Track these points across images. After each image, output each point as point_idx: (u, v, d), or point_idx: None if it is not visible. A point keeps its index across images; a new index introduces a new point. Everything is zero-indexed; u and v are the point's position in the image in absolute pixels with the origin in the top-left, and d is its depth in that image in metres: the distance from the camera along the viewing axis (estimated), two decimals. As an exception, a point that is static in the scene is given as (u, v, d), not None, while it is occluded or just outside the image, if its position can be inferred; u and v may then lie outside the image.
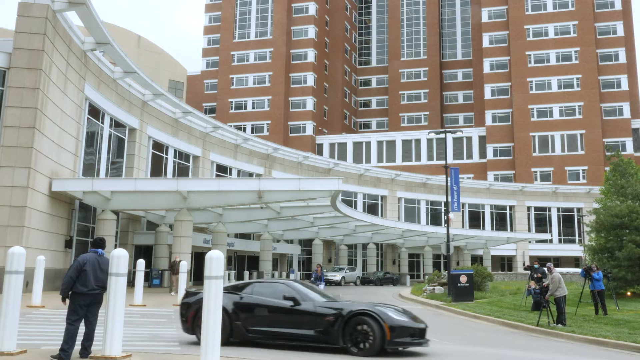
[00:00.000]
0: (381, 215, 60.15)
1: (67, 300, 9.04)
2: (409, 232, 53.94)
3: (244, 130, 77.35)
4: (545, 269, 22.68)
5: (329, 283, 44.60)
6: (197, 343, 10.91)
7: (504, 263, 69.89)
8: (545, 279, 21.27)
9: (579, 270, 42.27)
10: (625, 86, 73.80)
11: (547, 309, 17.91)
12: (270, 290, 11.99)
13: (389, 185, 62.93)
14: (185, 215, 29.71)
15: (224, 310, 11.19)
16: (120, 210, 31.48)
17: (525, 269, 33.78)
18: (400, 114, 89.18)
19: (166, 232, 34.78)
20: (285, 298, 11.57)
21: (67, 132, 27.07)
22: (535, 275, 22.66)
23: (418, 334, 11.26)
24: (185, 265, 23.41)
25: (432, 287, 32.43)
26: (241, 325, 11.63)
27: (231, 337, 11.54)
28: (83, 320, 9.15)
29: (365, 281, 52.01)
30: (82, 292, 9.00)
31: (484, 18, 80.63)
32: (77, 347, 9.12)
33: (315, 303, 11.52)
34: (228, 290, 12.11)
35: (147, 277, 33.23)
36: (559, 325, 17.33)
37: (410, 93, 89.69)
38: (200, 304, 11.17)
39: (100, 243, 9.54)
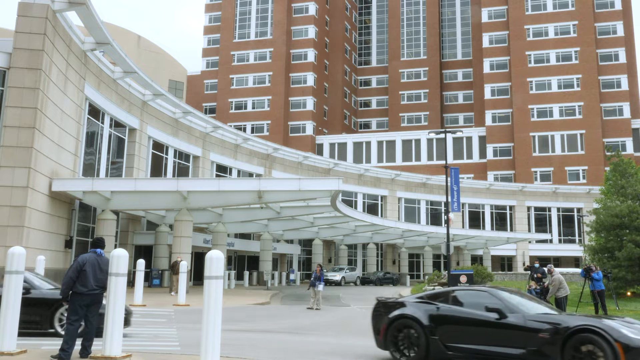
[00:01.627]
0: (381, 215, 60.15)
1: (66, 302, 9.05)
2: (409, 232, 53.94)
3: (244, 130, 77.36)
4: (545, 269, 22.71)
5: (329, 283, 44.60)
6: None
7: (504, 263, 69.89)
8: (545, 279, 21.29)
9: (579, 270, 42.27)
10: (625, 86, 73.80)
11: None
12: (472, 300, 10.39)
13: (389, 185, 62.93)
14: (185, 215, 29.72)
15: (418, 323, 10.23)
16: (120, 210, 31.49)
17: (525, 269, 33.79)
18: (400, 114, 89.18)
19: (166, 232, 34.78)
20: (488, 309, 9.91)
21: (67, 132, 27.07)
22: (535, 275, 22.66)
23: None
24: (185, 265, 23.44)
25: (432, 287, 32.45)
26: (439, 341, 10.05)
27: (428, 355, 10.09)
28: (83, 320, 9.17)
29: (365, 281, 52.02)
30: (82, 292, 9.01)
31: (484, 18, 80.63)
32: (77, 347, 9.13)
33: (526, 316, 9.71)
34: (423, 300, 10.82)
35: (147, 277, 33.24)
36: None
37: (410, 93, 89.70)
38: (396, 316, 10.50)
39: (99, 243, 9.55)
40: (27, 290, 11.94)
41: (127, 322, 12.41)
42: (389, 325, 10.53)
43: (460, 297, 10.60)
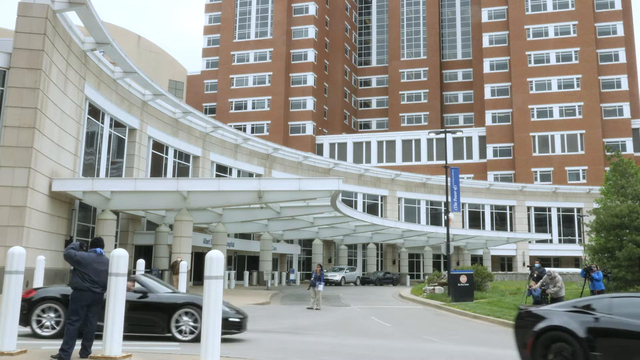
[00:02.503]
0: (381, 215, 60.15)
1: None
2: (409, 232, 53.95)
3: (244, 130, 77.36)
4: (545, 268, 22.74)
5: (329, 283, 44.60)
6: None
7: (504, 263, 69.90)
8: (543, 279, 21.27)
9: (579, 270, 42.27)
10: (625, 86, 73.80)
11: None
12: (638, 309, 8.81)
13: (389, 185, 62.93)
14: (185, 215, 29.72)
15: (573, 336, 8.88)
16: (120, 210, 31.48)
17: (528, 267, 33.79)
18: (400, 114, 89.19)
19: (166, 232, 34.78)
20: None
21: (67, 132, 27.07)
22: (535, 275, 22.65)
23: None
24: (185, 265, 23.43)
25: (432, 287, 32.44)
26: (601, 358, 8.61)
27: None
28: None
29: (365, 281, 52.01)
30: (81, 289, 9.00)
31: (484, 18, 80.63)
32: (77, 347, 9.13)
33: None
34: (577, 309, 9.39)
35: (147, 277, 33.20)
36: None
37: (410, 93, 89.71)
38: (544, 328, 9.32)
39: (99, 243, 9.55)
40: (144, 294, 12.27)
41: (242, 327, 12.61)
42: (536, 338, 9.30)
43: (623, 304, 9.09)
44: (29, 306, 12.02)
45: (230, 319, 12.27)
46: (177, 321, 12.12)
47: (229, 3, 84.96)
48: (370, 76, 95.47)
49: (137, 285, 12.47)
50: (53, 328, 12.04)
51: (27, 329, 12.04)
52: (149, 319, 12.20)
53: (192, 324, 12.07)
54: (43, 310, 12.07)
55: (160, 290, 12.67)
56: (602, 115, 73.16)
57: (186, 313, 12.11)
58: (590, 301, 9.59)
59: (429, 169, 73.42)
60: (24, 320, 11.82)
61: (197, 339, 11.46)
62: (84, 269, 9.09)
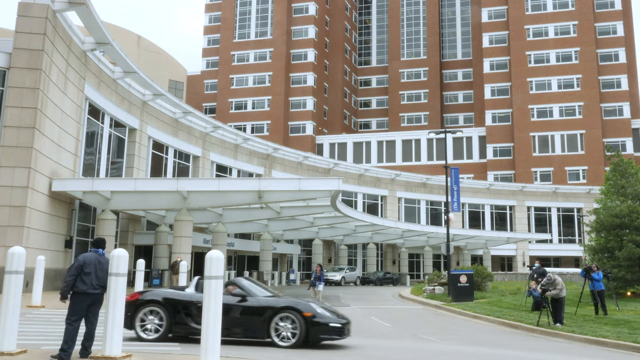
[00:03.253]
0: (381, 215, 60.15)
1: (66, 300, 9.04)
2: (409, 232, 53.94)
3: (244, 130, 77.36)
4: (544, 269, 22.74)
5: (329, 283, 44.60)
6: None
7: (504, 263, 69.90)
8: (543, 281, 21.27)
9: (579, 270, 42.26)
10: (625, 86, 73.80)
11: (547, 309, 17.94)
12: None
13: (389, 185, 62.93)
14: (185, 215, 29.72)
15: None
16: (120, 210, 31.48)
17: (528, 267, 33.78)
18: (400, 114, 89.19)
19: (166, 232, 34.78)
20: None
21: (67, 132, 27.08)
22: (534, 275, 22.65)
23: None
24: (185, 265, 23.44)
25: (432, 287, 32.44)
26: None
27: None
28: (83, 320, 9.16)
29: (365, 281, 52.01)
30: (83, 292, 9.01)
31: (484, 18, 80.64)
32: (77, 347, 9.13)
33: None
34: None
35: (147, 277, 33.23)
36: (558, 324, 17.38)
37: (410, 93, 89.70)
38: None
39: (100, 243, 9.55)
40: (243, 297, 12.01)
41: (344, 332, 11.99)
42: None
43: None
44: (134, 309, 11.99)
45: (331, 324, 11.83)
46: (277, 326, 11.73)
47: (229, 3, 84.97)
48: (370, 76, 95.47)
49: (236, 289, 12.26)
50: (156, 331, 11.95)
51: (132, 333, 11.97)
52: (248, 324, 11.92)
53: (291, 328, 11.67)
54: (146, 314, 12.02)
55: (260, 294, 12.37)
56: (602, 115, 73.17)
57: (285, 318, 11.72)
58: None
59: (429, 169, 73.42)
60: (129, 323, 11.84)
61: (297, 345, 11.53)
62: (87, 268, 9.10)
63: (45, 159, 24.80)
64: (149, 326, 11.99)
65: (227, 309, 11.28)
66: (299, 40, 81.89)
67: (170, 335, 12.00)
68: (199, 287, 12.34)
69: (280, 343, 11.63)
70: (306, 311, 11.71)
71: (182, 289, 12.84)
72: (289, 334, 11.67)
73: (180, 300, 12.16)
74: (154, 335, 11.92)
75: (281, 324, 11.73)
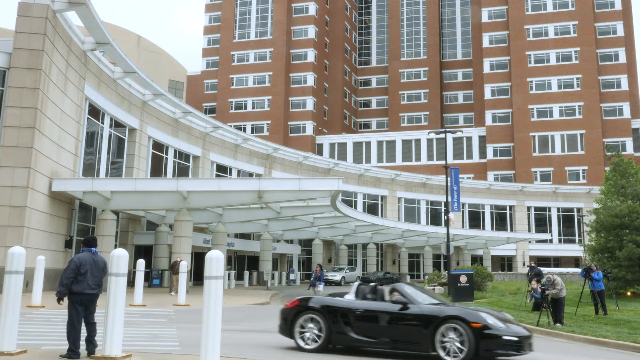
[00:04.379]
0: (381, 215, 60.14)
1: (62, 302, 9.07)
2: (409, 232, 53.93)
3: (244, 130, 77.36)
4: (540, 269, 22.74)
5: (329, 283, 44.59)
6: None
7: (504, 263, 69.89)
8: (541, 281, 21.27)
9: (579, 270, 42.25)
10: (625, 86, 73.80)
11: (547, 309, 17.94)
12: None
13: (389, 185, 62.92)
14: (185, 215, 29.72)
15: None
16: (120, 210, 31.48)
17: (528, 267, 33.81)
18: (400, 114, 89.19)
19: (166, 232, 34.78)
20: None
21: (67, 132, 27.07)
22: (531, 274, 22.65)
23: None
24: (185, 265, 23.41)
25: (432, 287, 32.44)
26: None
27: None
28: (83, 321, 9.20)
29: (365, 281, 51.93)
30: (80, 292, 9.03)
31: (484, 18, 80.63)
32: (82, 345, 9.15)
33: None
34: None
35: (147, 277, 33.24)
36: (558, 324, 17.40)
37: (410, 93, 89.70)
38: None
39: (92, 242, 9.53)
40: (404, 305, 10.88)
41: (522, 347, 10.32)
42: None
43: None
44: (293, 316, 11.36)
45: (505, 337, 10.16)
46: (442, 338, 10.29)
47: (229, 3, 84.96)
48: (370, 76, 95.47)
49: (396, 295, 11.25)
50: (314, 341, 11.14)
51: (290, 342, 11.46)
52: (410, 335, 10.69)
53: (457, 341, 10.18)
54: (305, 322, 11.27)
55: (423, 301, 11.13)
56: (602, 115, 73.16)
57: (452, 329, 10.25)
58: None
59: (429, 169, 73.41)
60: (288, 331, 11.39)
61: None
62: (83, 269, 9.11)
63: (45, 159, 24.80)
64: (307, 335, 11.21)
65: (387, 318, 10.80)
66: (299, 40, 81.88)
67: (330, 345, 11.16)
68: (359, 294, 11.55)
69: (447, 358, 10.24)
70: (475, 321, 10.22)
71: (342, 295, 11.93)
72: (456, 348, 10.19)
73: (339, 307, 11.24)
74: (312, 345, 11.09)
75: (448, 336, 10.29)
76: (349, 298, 11.56)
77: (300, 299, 11.76)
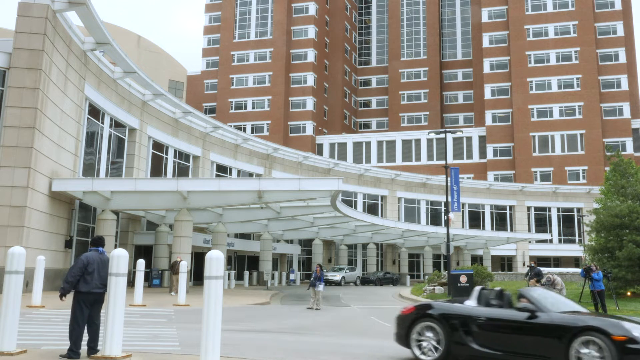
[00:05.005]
0: (381, 215, 60.14)
1: (64, 298, 9.08)
2: (409, 232, 53.93)
3: (244, 130, 77.36)
4: (539, 268, 22.78)
5: (329, 283, 44.60)
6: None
7: (504, 263, 69.88)
8: (540, 281, 21.29)
9: (578, 270, 42.25)
10: (625, 86, 73.80)
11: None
12: None
13: (389, 185, 62.92)
14: (185, 215, 29.72)
15: None
16: (120, 210, 31.49)
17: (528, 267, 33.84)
18: (400, 114, 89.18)
19: (166, 232, 34.78)
20: None
21: (67, 132, 27.07)
22: (530, 274, 22.67)
23: None
24: (185, 265, 23.42)
25: (432, 287, 32.44)
26: None
27: None
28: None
29: (365, 281, 52.00)
30: (87, 292, 9.04)
31: (484, 18, 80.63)
32: (83, 347, 9.15)
33: None
34: None
35: (147, 277, 33.24)
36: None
37: (410, 93, 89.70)
38: None
39: (100, 241, 9.57)
40: (532, 313, 9.59)
41: None
42: None
43: None
44: (409, 323, 10.50)
45: None
46: (578, 354, 8.79)
47: (229, 3, 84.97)
48: (370, 76, 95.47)
49: (524, 302, 10.04)
50: (433, 351, 10.18)
51: (407, 352, 10.70)
52: (539, 347, 9.28)
53: (597, 357, 8.64)
54: (422, 330, 10.34)
55: (554, 308, 9.74)
56: (602, 115, 73.16)
57: (590, 343, 8.75)
58: None
59: (429, 169, 73.41)
60: (404, 340, 10.53)
61: None
62: (90, 268, 9.13)
63: (45, 159, 24.80)
64: (425, 344, 10.26)
65: (512, 327, 9.69)
66: (299, 40, 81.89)
67: (449, 357, 10.12)
68: (482, 300, 10.47)
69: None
70: (617, 334, 8.62)
71: (461, 301, 10.88)
72: None
73: (459, 315, 10.22)
74: (431, 356, 10.16)
75: (583, 350, 8.79)
76: (470, 304, 10.50)
77: (417, 306, 10.92)
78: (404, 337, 10.51)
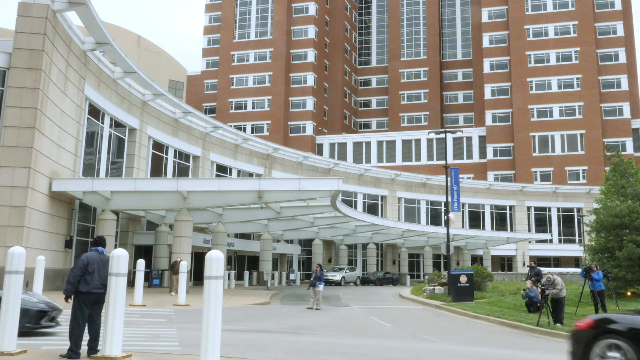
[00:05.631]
0: (381, 215, 60.14)
1: (70, 299, 9.08)
2: (409, 232, 53.93)
3: (244, 130, 77.36)
4: (539, 268, 22.78)
5: (329, 283, 44.60)
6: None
7: (504, 263, 69.89)
8: (540, 281, 21.30)
9: (579, 270, 42.25)
10: (625, 86, 73.80)
11: (547, 309, 17.95)
12: None
13: (389, 185, 62.92)
14: (185, 215, 29.71)
15: None
16: (120, 210, 31.49)
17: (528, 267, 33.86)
18: (400, 114, 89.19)
19: (166, 232, 34.78)
20: None
21: (67, 132, 27.07)
22: (529, 274, 22.68)
23: None
24: (185, 265, 23.42)
25: (432, 287, 32.44)
26: None
27: None
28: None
29: (365, 281, 52.00)
30: (87, 292, 9.05)
31: (484, 18, 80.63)
32: (83, 347, 9.15)
33: None
34: None
35: (147, 277, 33.24)
36: (558, 324, 17.41)
37: (410, 93, 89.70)
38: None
39: (101, 241, 9.58)
40: None
41: None
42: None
43: None
44: (587, 342, 8.44)
45: None
46: (602, 357, 8.10)
47: (229, 3, 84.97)
48: (370, 76, 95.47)
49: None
50: None
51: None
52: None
53: None
54: (604, 349, 8.22)
55: None
56: (602, 115, 73.16)
57: (611, 347, 8.09)
58: None
59: (429, 169, 73.41)
60: (581, 358, 8.44)
61: None
62: (90, 268, 9.14)
63: (45, 159, 24.80)
64: None
65: None
66: (299, 40, 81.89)
67: None
68: None
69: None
70: None
71: None
72: None
73: None
74: None
75: (606, 354, 8.13)
76: None
77: (596, 320, 8.80)
78: (580, 355, 8.55)
